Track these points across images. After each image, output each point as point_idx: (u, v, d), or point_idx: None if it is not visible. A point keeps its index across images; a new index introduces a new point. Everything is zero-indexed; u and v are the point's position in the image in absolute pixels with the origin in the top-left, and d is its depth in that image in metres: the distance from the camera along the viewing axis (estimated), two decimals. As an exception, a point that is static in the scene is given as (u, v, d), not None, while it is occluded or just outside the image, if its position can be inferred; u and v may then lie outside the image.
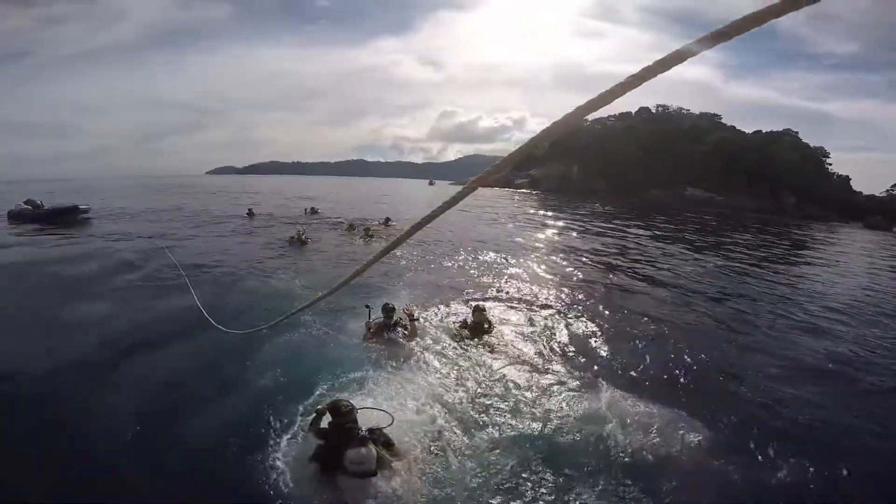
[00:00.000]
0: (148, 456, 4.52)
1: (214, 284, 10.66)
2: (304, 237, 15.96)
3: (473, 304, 8.52)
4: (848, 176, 67.97)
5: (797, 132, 70.28)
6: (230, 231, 19.40)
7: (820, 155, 68.11)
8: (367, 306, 7.49)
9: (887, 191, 66.28)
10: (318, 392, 5.49)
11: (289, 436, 4.68)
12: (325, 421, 4.27)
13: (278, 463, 4.31)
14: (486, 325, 7.75)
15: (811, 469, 4.55)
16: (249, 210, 23.77)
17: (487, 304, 9.09)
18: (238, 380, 5.94)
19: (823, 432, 5.44)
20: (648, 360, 7.12)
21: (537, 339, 8.00)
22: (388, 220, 21.38)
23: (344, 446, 3.86)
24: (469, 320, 7.87)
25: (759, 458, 4.77)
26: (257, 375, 6.04)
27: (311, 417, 4.46)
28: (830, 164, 67.99)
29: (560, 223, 28.69)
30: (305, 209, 25.37)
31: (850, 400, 6.42)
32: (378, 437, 4.11)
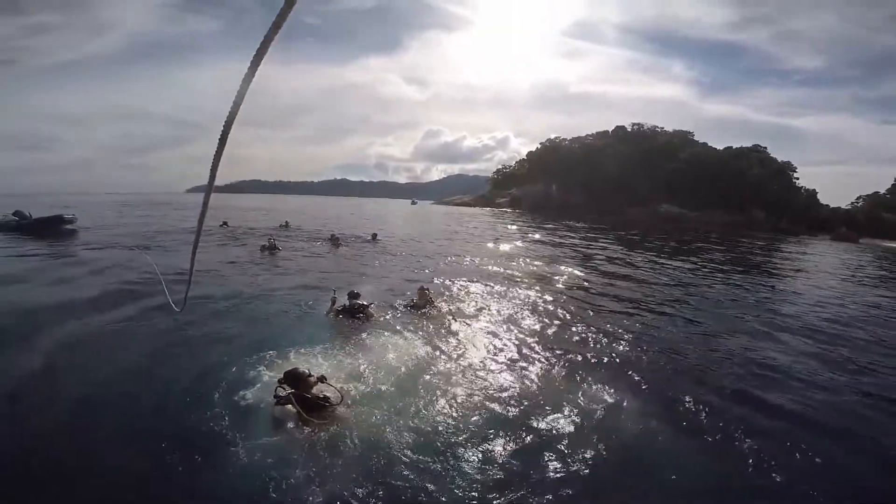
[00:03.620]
0: (127, 408, 4.93)
1: (186, 281, 10.90)
2: (275, 244, 16.46)
3: (419, 285, 9.45)
4: (815, 190, 70.49)
5: (765, 147, 72.92)
6: (207, 241, 19.40)
7: (787, 170, 70.53)
8: (334, 291, 8.55)
9: (852, 203, 69.12)
10: (291, 354, 6.16)
11: (251, 386, 5.27)
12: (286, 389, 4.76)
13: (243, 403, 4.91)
14: (427, 305, 8.70)
15: (770, 458, 4.57)
16: (224, 222, 23.97)
17: (447, 292, 10.10)
18: (203, 348, 6.57)
19: (782, 422, 5.40)
20: (606, 350, 7.49)
21: (479, 320, 8.74)
22: (375, 235, 21.85)
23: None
24: (414, 300, 8.80)
25: (721, 443, 4.82)
26: (226, 344, 6.71)
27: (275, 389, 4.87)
28: (798, 179, 70.46)
29: (532, 236, 29.38)
30: (280, 224, 25.74)
31: (808, 394, 6.26)
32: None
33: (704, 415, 5.33)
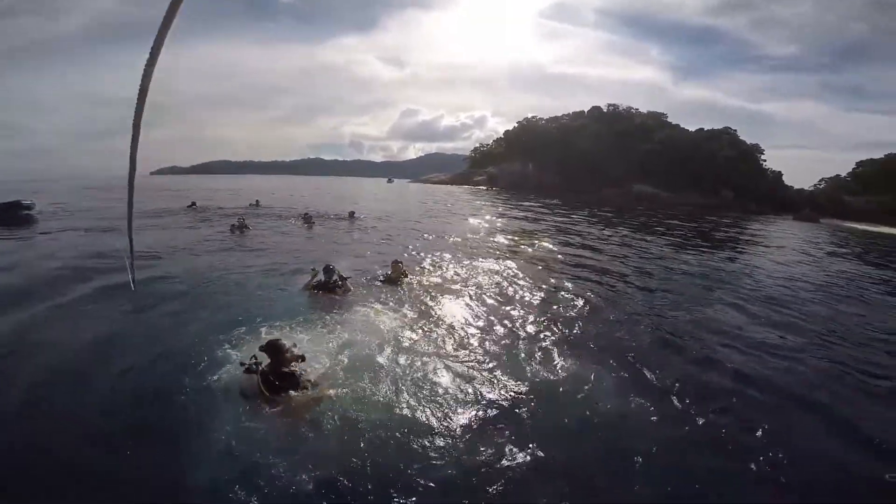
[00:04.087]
0: (85, 395, 4.66)
1: (153, 262, 10.47)
2: (245, 223, 15.94)
3: (392, 259, 9.45)
4: (780, 172, 72.63)
5: (735, 130, 74.28)
6: (173, 222, 18.74)
7: (755, 152, 72.41)
8: (314, 269, 8.42)
9: (815, 185, 71.87)
10: (264, 329, 6.06)
11: (222, 367, 5.08)
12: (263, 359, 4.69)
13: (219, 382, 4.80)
14: (401, 279, 8.79)
15: (734, 427, 4.72)
16: (193, 203, 23.07)
17: (422, 266, 10.37)
18: (170, 329, 6.34)
19: (748, 389, 5.59)
20: (574, 324, 7.50)
21: (455, 294, 8.75)
22: (352, 213, 21.52)
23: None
24: (388, 274, 8.86)
25: (691, 413, 4.89)
26: (195, 324, 6.49)
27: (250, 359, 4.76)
28: (765, 161, 72.47)
29: (507, 213, 29.46)
30: (250, 203, 25.00)
31: (773, 363, 6.54)
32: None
33: (676, 385, 5.42)
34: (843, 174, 69.80)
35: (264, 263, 10.72)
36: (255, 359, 4.61)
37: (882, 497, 3.96)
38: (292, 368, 4.67)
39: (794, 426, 4.87)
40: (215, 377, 4.84)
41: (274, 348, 4.67)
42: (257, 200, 25.56)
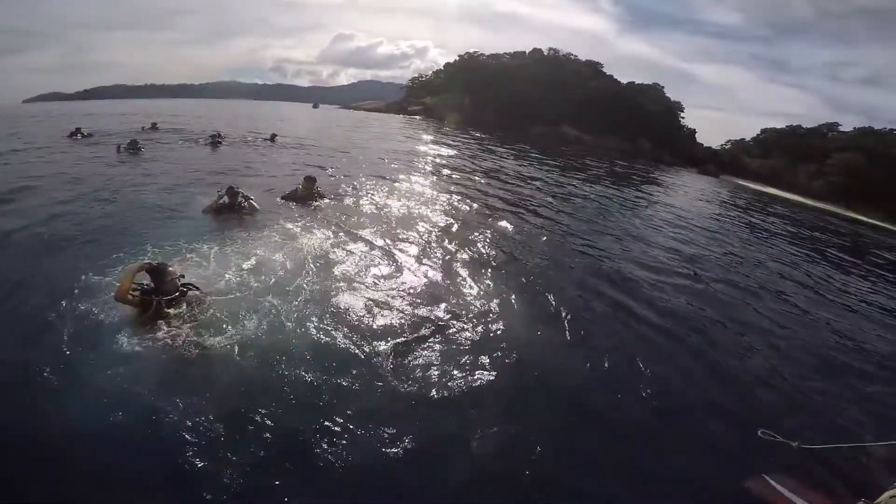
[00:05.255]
0: None
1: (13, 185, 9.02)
2: (137, 143, 14.06)
3: (305, 173, 9.20)
4: (694, 129, 78.19)
5: (663, 87, 77.94)
6: (49, 149, 14.79)
7: (677, 109, 76.73)
8: (218, 191, 7.95)
9: (721, 145, 78.25)
10: (151, 253, 5.63)
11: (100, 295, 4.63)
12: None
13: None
14: (314, 198, 8.67)
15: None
16: (77, 129, 18.09)
17: (342, 187, 10.32)
18: (33, 256, 5.64)
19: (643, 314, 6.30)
20: (477, 250, 7.79)
21: (372, 217, 8.69)
22: (273, 136, 20.05)
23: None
24: (298, 190, 8.61)
25: (582, 340, 5.35)
26: (66, 249, 5.89)
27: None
28: (684, 118, 77.24)
29: (438, 144, 28.94)
30: (144, 126, 21.22)
31: (668, 279, 7.93)
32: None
33: (574, 312, 5.91)
34: (748, 138, 76.41)
35: (157, 185, 9.71)
36: (136, 286, 4.33)
37: (753, 452, 3.97)
38: (174, 297, 4.45)
39: (679, 366, 5.30)
40: (91, 308, 4.39)
41: (157, 272, 4.37)
42: (154, 123, 21.60)
